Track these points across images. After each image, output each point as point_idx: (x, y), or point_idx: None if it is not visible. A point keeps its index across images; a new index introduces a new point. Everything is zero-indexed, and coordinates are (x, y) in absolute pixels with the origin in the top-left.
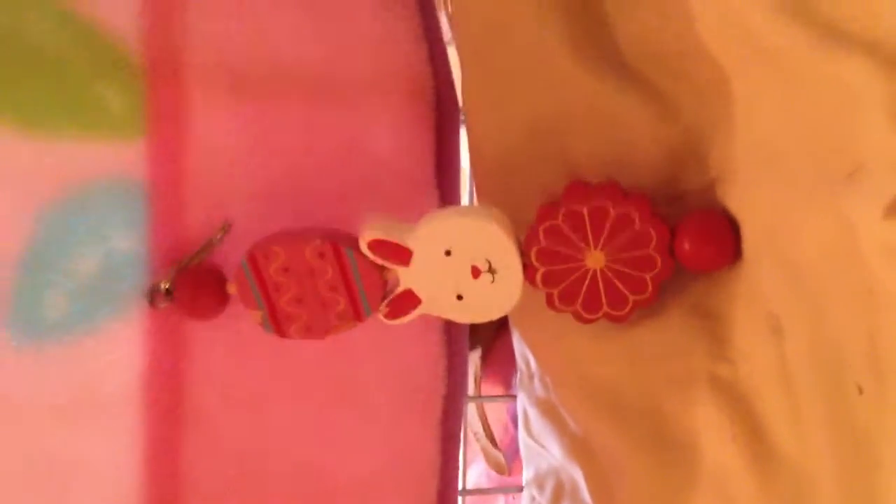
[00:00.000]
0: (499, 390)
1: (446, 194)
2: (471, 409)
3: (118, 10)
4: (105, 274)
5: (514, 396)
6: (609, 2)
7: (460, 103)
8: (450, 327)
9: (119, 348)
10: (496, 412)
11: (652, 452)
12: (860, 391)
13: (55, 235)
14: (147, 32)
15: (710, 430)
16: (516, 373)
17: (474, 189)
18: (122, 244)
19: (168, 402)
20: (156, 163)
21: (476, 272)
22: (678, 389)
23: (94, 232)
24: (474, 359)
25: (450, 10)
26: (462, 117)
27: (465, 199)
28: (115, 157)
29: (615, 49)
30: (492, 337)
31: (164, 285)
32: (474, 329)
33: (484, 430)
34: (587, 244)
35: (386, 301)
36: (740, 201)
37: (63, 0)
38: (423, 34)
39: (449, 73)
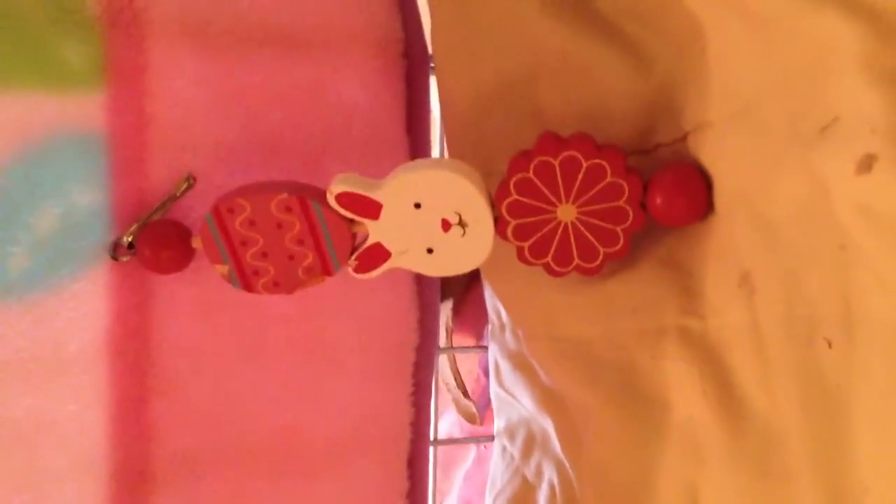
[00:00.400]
0: (470, 342)
1: (417, 146)
2: (442, 361)
3: None
4: (66, 229)
5: (486, 348)
6: None
7: (430, 53)
8: (421, 279)
9: (82, 305)
10: (467, 363)
11: (622, 405)
12: (829, 345)
13: (14, 190)
14: None
15: (680, 384)
16: (488, 324)
17: (445, 141)
18: (82, 199)
19: (133, 358)
20: (116, 116)
21: (446, 225)
22: (649, 343)
23: (54, 187)
24: (445, 310)
25: None
26: (432, 67)
27: (436, 152)
28: (74, 111)
29: (589, 1)
30: (463, 288)
31: (126, 239)
32: (445, 281)
33: (455, 380)
34: (558, 197)
35: (355, 255)
36: (714, 156)
37: None
38: None
39: (419, 22)
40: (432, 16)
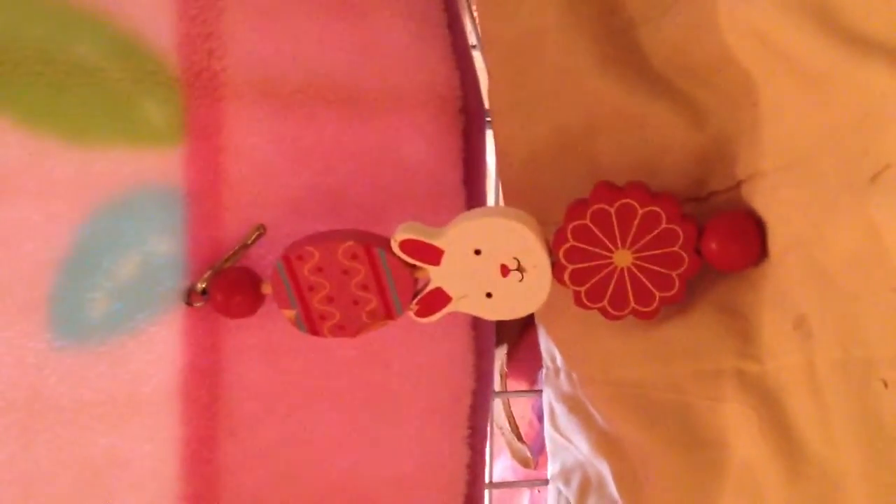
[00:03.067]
0: (523, 387)
1: (473, 198)
2: (496, 405)
3: (155, 21)
4: (144, 277)
5: (540, 391)
6: (636, 11)
7: (486, 107)
8: (477, 324)
9: (157, 349)
10: (521, 408)
11: (680, 449)
12: (886, 386)
13: (97, 240)
14: (183, 43)
15: (738, 426)
16: (541, 369)
17: (501, 193)
18: (160, 248)
19: (205, 401)
20: (193, 170)
21: (505, 271)
22: (705, 386)
23: (134, 236)
24: (500, 355)
25: (476, 16)
26: (488, 122)
27: (491, 203)
28: (154, 166)
29: (643, 59)
30: (517, 334)
31: (200, 285)
32: (500, 326)
33: (509, 424)
34: (615, 242)
35: (416, 299)
36: (767, 204)
37: (99, 12)
38: (449, 41)
39: (475, 78)
40: (489, 72)
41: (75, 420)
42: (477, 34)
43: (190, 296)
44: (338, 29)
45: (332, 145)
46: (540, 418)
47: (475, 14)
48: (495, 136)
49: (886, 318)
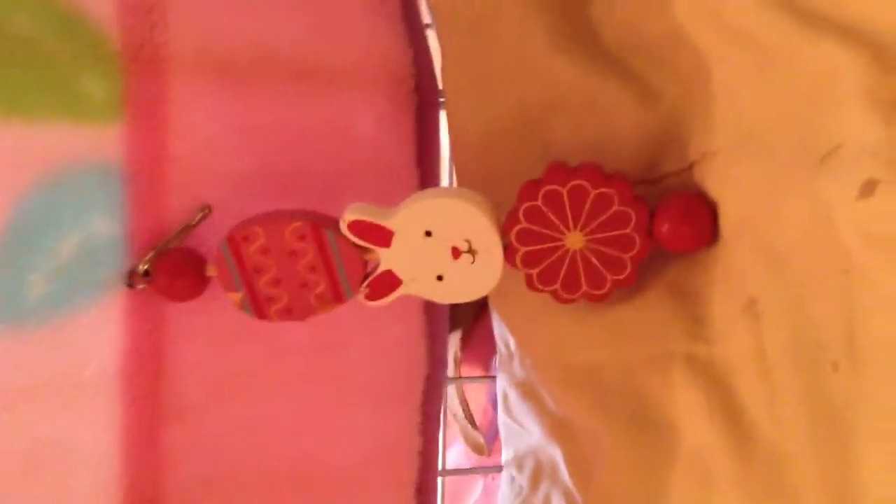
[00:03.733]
0: (478, 373)
1: (426, 179)
2: (450, 392)
3: None
4: (84, 257)
5: (494, 378)
6: None
7: (440, 88)
8: (430, 309)
9: (98, 331)
10: (475, 395)
11: (631, 432)
12: (835, 368)
13: (34, 218)
14: (125, 16)
15: (688, 409)
16: (495, 355)
17: (454, 174)
18: (100, 227)
19: (147, 385)
20: (134, 147)
21: (456, 253)
22: (656, 369)
23: (73, 215)
24: (454, 341)
25: None
26: (442, 101)
27: (445, 184)
28: (93, 142)
29: (596, 37)
30: (471, 319)
31: (142, 267)
32: (454, 311)
33: (463, 411)
34: (567, 224)
35: (366, 282)
36: (719, 184)
37: None
38: (403, 19)
39: (429, 57)
40: (443, 53)
41: (13, 404)
42: (431, 13)
43: (132, 277)
44: (288, 3)
45: (280, 123)
46: (494, 405)
47: None
48: (449, 117)
49: (836, 300)
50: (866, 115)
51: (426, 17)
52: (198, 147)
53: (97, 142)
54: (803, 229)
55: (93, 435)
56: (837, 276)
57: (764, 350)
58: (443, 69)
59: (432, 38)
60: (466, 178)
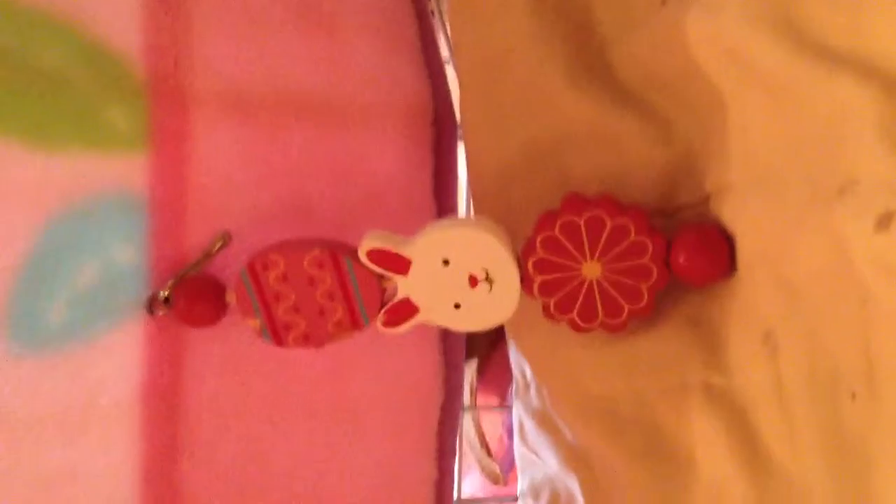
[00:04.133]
0: (494, 402)
1: (444, 211)
2: (466, 421)
3: (121, 27)
4: (105, 285)
5: (510, 407)
6: (606, 28)
7: (458, 121)
8: (447, 338)
9: (117, 357)
10: (491, 425)
11: (647, 464)
12: (853, 398)
13: (57, 247)
14: (150, 50)
15: (705, 441)
16: (511, 384)
17: (472, 206)
18: (122, 256)
19: (165, 414)
20: (157, 178)
21: (474, 281)
22: (673, 400)
23: (95, 244)
24: (470, 370)
25: (448, 31)
26: (460, 134)
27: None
28: (117, 172)
29: (612, 73)
30: (487, 349)
31: (162, 294)
32: (470, 341)
33: (479, 440)
34: (583, 254)
35: (384, 310)
36: (735, 217)
37: (65, 18)
38: (421, 54)
39: (447, 91)
40: (461, 86)
41: (30, 431)
42: (449, 47)
43: (152, 304)
44: (308, 41)
45: (300, 157)
46: (510, 434)
47: (447, 27)
48: (466, 149)
49: (854, 330)
50: (881, 149)
51: (444, 52)
52: (219, 179)
53: (121, 172)
54: (820, 262)
55: (108, 464)
56: (855, 307)
57: (782, 382)
58: (461, 102)
59: (451, 72)
60: (484, 208)
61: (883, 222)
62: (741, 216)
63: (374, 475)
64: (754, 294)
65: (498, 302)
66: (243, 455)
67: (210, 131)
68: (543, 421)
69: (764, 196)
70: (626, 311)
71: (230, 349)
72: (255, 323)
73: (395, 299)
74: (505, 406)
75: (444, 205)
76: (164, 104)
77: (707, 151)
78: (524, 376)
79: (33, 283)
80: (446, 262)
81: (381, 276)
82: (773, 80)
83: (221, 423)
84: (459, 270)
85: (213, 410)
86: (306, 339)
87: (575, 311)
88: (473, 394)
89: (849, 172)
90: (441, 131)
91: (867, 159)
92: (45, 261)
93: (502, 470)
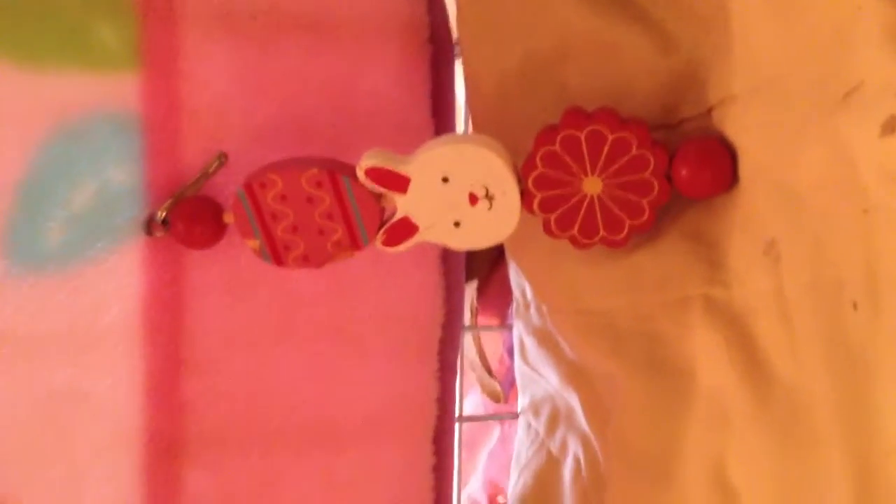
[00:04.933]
0: (494, 323)
1: (442, 128)
2: (467, 341)
3: None
4: (102, 205)
5: (510, 327)
6: None
7: (455, 38)
8: (447, 258)
9: (117, 278)
10: (492, 345)
11: (648, 376)
12: (855, 307)
13: (52, 167)
14: None
15: (706, 352)
16: (512, 304)
17: (470, 123)
18: (118, 176)
19: (167, 333)
20: (150, 96)
21: (473, 199)
22: (674, 314)
23: (90, 164)
24: (470, 290)
25: None
26: (457, 51)
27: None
28: (109, 91)
29: None
30: (488, 269)
31: (160, 215)
32: (470, 261)
33: (480, 359)
34: (584, 169)
35: (383, 229)
36: (738, 128)
37: None
38: None
39: (444, 6)
40: (458, 1)
41: (33, 350)
42: None
43: (150, 225)
44: None
45: (295, 73)
46: (511, 354)
47: None
48: (464, 66)
49: (857, 239)
50: (887, 52)
51: None
52: (213, 96)
53: (113, 91)
54: (823, 170)
55: (112, 383)
56: (857, 215)
57: (783, 291)
58: (458, 18)
59: None
60: (483, 125)
61: (888, 127)
62: (744, 127)
63: (377, 391)
64: (756, 205)
65: (498, 219)
66: (247, 372)
67: (202, 48)
68: (544, 339)
69: (767, 106)
70: (627, 226)
71: (231, 268)
72: (254, 243)
73: (395, 218)
74: (505, 326)
75: (442, 124)
76: (154, 21)
77: (710, 62)
78: (524, 295)
79: (30, 203)
80: (445, 180)
81: (379, 195)
82: None
83: (225, 341)
84: (459, 188)
85: (216, 328)
86: (306, 260)
87: (576, 228)
88: (474, 314)
89: (854, 78)
90: (438, 49)
91: (873, 63)
92: (41, 180)
93: (503, 388)
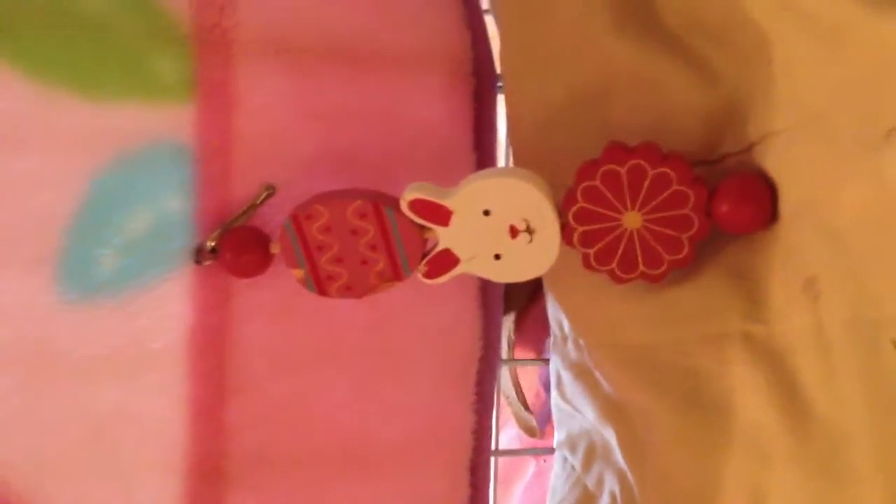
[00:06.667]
0: (531, 357)
1: (484, 162)
2: (503, 374)
3: None
4: (154, 234)
5: (547, 361)
6: None
7: (498, 71)
8: (485, 291)
9: (167, 305)
10: (528, 379)
11: (686, 412)
12: (895, 345)
13: (107, 195)
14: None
15: (745, 389)
16: (548, 338)
17: (511, 157)
18: (170, 205)
19: (214, 359)
20: (204, 128)
21: (514, 232)
22: (712, 349)
23: (144, 193)
24: (507, 323)
25: None
26: (499, 85)
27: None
28: (165, 122)
29: (656, 17)
30: (525, 303)
31: (209, 244)
32: (508, 294)
33: (516, 393)
34: (624, 204)
35: (425, 260)
36: (779, 164)
37: None
38: (462, 4)
39: (487, 41)
40: (501, 35)
41: (83, 374)
42: None
43: (199, 254)
44: None
45: (343, 105)
46: (547, 388)
47: None
48: (507, 99)
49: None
50: None
51: (484, 3)
52: (264, 129)
53: (169, 122)
54: (865, 207)
55: (159, 407)
56: None
57: (823, 329)
58: (501, 52)
59: (490, 23)
60: (524, 159)
61: None
62: (786, 163)
63: (413, 422)
64: (797, 241)
65: (538, 252)
66: (289, 399)
67: (255, 80)
68: (581, 373)
69: (809, 142)
70: (667, 261)
71: (276, 297)
72: (298, 273)
73: (436, 250)
74: (542, 360)
75: (484, 156)
76: (209, 53)
77: (752, 98)
78: (562, 329)
79: (85, 230)
80: (487, 213)
81: (422, 227)
82: (821, 21)
83: (268, 368)
84: (500, 221)
85: (260, 354)
86: (349, 290)
87: (615, 262)
88: (511, 347)
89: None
90: (481, 82)
91: None
92: (95, 209)
93: (538, 423)
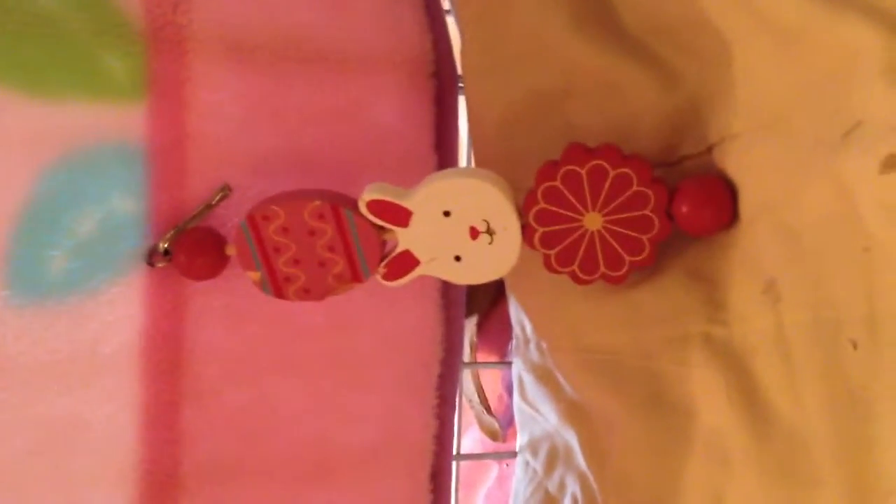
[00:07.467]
0: (493, 359)
1: (445, 163)
2: (466, 377)
3: None
4: (105, 235)
5: (510, 364)
6: None
7: (459, 72)
8: (446, 294)
9: (118, 308)
10: (491, 382)
11: (647, 414)
12: (854, 347)
13: (55, 196)
14: None
15: (706, 391)
16: (511, 341)
17: (473, 158)
18: (121, 206)
19: (167, 364)
20: (156, 127)
21: (474, 233)
22: (674, 351)
23: (94, 193)
24: (470, 326)
25: None
26: (460, 86)
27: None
28: (116, 121)
29: (616, 20)
30: (487, 305)
31: (162, 245)
32: (470, 297)
33: (479, 396)
34: (585, 205)
35: (384, 262)
36: (739, 166)
37: None
38: (422, 4)
39: (448, 42)
40: (462, 36)
41: (32, 380)
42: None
43: (152, 256)
44: None
45: (300, 105)
46: (509, 392)
47: None
48: (468, 101)
49: (856, 278)
50: (887, 90)
51: (446, 4)
52: (218, 127)
53: (119, 121)
54: (824, 208)
55: (111, 413)
56: (858, 253)
57: (783, 331)
58: (462, 53)
59: (451, 24)
60: (485, 160)
61: (887, 164)
62: (745, 165)
63: (374, 427)
64: (756, 243)
65: (499, 254)
66: (245, 405)
67: (209, 78)
68: (543, 376)
69: (769, 144)
70: (628, 262)
71: (232, 300)
72: (255, 276)
73: (396, 251)
74: (505, 363)
75: (445, 157)
76: (162, 52)
77: (712, 100)
78: (524, 331)
79: (32, 231)
80: (447, 214)
81: (381, 228)
82: (780, 23)
83: (223, 374)
84: (460, 222)
85: (215, 361)
86: (307, 292)
87: (576, 263)
88: (473, 350)
89: (854, 116)
90: (442, 83)
91: (873, 101)
92: (43, 210)
93: (501, 427)
